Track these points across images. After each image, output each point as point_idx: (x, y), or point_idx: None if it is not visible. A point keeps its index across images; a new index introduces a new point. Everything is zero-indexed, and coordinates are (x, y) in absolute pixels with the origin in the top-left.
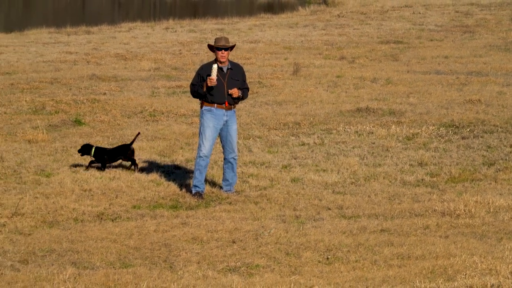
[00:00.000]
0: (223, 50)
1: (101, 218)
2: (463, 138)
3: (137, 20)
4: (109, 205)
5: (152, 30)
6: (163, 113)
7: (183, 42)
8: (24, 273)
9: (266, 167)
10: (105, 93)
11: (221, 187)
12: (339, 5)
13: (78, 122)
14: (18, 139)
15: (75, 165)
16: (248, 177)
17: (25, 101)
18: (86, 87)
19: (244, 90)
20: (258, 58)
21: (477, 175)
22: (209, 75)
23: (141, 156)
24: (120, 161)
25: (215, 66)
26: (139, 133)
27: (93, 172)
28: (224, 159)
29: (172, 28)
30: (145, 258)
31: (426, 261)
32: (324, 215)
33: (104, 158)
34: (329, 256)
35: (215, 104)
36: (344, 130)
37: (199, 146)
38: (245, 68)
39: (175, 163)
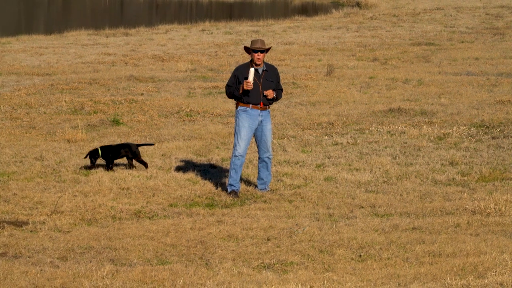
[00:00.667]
0: (259, 53)
1: (139, 216)
2: (493, 138)
3: (174, 22)
4: (146, 203)
5: (188, 32)
6: (199, 113)
7: (219, 43)
8: (63, 269)
9: (300, 166)
10: (142, 94)
11: (256, 186)
12: (371, 7)
13: (116, 122)
14: (57, 139)
15: (116, 164)
16: (283, 176)
17: (65, 101)
18: (124, 88)
19: (278, 91)
20: (292, 59)
21: (507, 174)
22: (246, 78)
23: (177, 155)
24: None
25: (252, 70)
26: (152, 144)
27: (131, 171)
28: (259, 158)
29: (208, 30)
30: (181, 255)
31: (457, 259)
32: (357, 213)
33: (109, 155)
34: (361, 254)
35: (250, 105)
36: (377, 130)
37: (235, 146)
38: (279, 69)
39: (211, 162)
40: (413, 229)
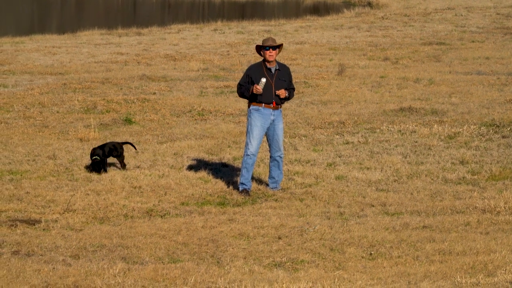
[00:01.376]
0: (270, 50)
1: (150, 215)
2: (503, 137)
3: (186, 22)
4: (158, 202)
5: (200, 32)
6: (211, 112)
7: (231, 43)
8: (75, 267)
9: (311, 165)
10: (155, 93)
11: (267, 185)
12: (383, 7)
13: (128, 121)
14: (70, 138)
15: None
16: (294, 174)
17: (77, 100)
18: (137, 87)
19: (291, 90)
20: (304, 59)
21: None
22: (258, 81)
23: (189, 154)
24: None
25: (263, 81)
26: (136, 149)
27: (143, 169)
28: (271, 157)
29: (220, 30)
30: (193, 253)
31: (467, 257)
32: (367, 211)
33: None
34: (372, 252)
35: (263, 104)
36: (388, 129)
37: (247, 145)
38: (291, 68)
39: (223, 161)
40: (424, 228)
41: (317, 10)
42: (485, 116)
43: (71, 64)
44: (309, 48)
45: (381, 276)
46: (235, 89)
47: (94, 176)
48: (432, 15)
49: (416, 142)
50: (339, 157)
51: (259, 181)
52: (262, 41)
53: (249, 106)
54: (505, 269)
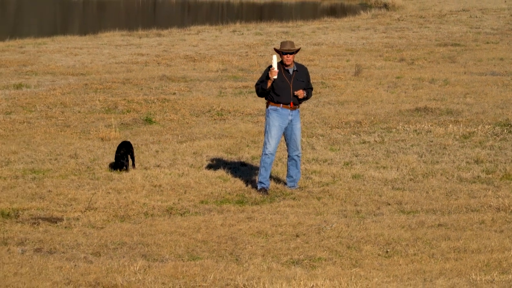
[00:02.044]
0: (288, 54)
1: (170, 213)
2: None
3: (206, 23)
4: (178, 200)
5: (219, 33)
6: (230, 112)
7: (250, 44)
8: (97, 265)
9: (328, 164)
10: (174, 93)
11: (285, 183)
12: (399, 9)
13: (148, 121)
14: (91, 137)
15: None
16: (311, 173)
17: (98, 100)
18: (157, 87)
19: (308, 90)
20: (321, 59)
21: None
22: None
23: (209, 154)
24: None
25: (274, 57)
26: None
27: (163, 168)
28: (288, 156)
29: (239, 31)
30: (212, 251)
31: (481, 255)
32: (383, 210)
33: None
34: (388, 250)
35: (281, 104)
36: (404, 129)
37: (265, 144)
38: (309, 69)
39: (241, 160)
40: (439, 226)
41: (334, 12)
42: (500, 116)
43: (92, 64)
44: (326, 49)
45: (397, 274)
46: (254, 89)
47: (115, 175)
48: (447, 16)
49: (432, 141)
50: (356, 156)
51: (277, 180)
52: (280, 43)
53: (267, 106)
54: None
